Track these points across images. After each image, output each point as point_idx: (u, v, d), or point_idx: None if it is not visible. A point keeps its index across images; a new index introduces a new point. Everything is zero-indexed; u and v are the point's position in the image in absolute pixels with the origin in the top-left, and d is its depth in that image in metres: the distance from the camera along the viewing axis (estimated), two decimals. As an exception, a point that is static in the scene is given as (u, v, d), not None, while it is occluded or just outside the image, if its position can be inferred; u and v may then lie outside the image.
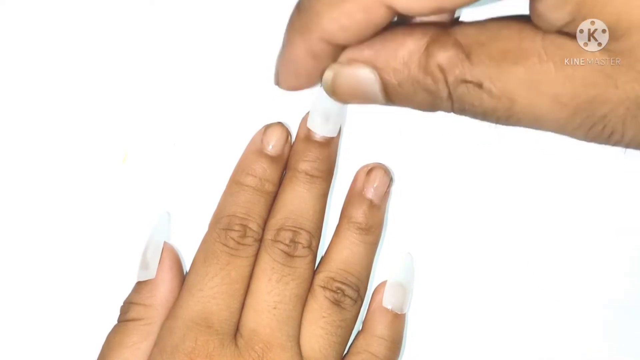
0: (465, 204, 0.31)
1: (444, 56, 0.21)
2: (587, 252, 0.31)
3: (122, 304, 0.29)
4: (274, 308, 0.27)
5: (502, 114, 0.22)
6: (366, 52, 0.23)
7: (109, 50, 0.31)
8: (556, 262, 0.31)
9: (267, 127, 0.29)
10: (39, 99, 0.31)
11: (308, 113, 0.29)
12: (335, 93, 0.24)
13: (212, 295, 0.27)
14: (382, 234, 0.30)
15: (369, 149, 0.31)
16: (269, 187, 0.29)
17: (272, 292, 0.27)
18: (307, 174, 0.29)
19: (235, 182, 0.29)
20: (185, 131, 0.31)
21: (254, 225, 0.28)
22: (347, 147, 0.31)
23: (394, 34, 0.23)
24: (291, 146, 0.30)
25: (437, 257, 0.31)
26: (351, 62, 0.23)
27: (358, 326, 0.29)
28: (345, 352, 0.29)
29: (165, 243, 0.29)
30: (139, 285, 0.28)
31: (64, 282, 0.30)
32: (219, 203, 0.29)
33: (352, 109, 0.31)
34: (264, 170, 0.29)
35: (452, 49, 0.21)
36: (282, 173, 0.30)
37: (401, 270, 0.30)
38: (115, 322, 0.28)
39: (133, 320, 0.28)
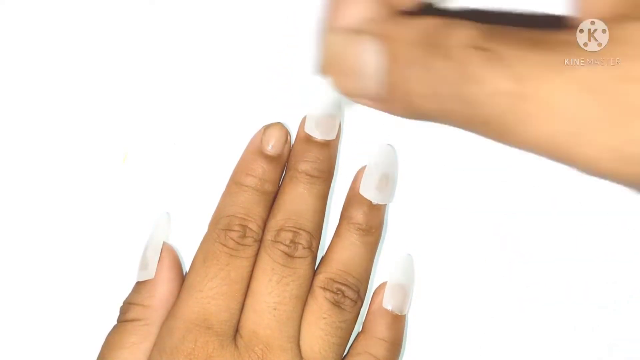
0: (466, 205, 0.31)
1: (465, 32, 0.19)
2: (587, 254, 0.31)
3: (121, 304, 0.29)
4: (274, 309, 0.27)
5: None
6: (374, 24, 0.20)
7: (109, 50, 0.31)
8: (556, 263, 0.31)
9: (267, 128, 0.29)
10: (39, 99, 0.31)
11: (306, 116, 0.29)
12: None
13: (211, 296, 0.27)
14: (382, 234, 0.30)
15: (369, 149, 0.31)
16: (269, 188, 0.29)
17: (272, 293, 0.27)
18: (307, 174, 0.29)
19: (234, 182, 0.29)
20: (185, 131, 0.31)
21: (253, 226, 0.28)
22: (347, 147, 0.31)
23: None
24: (290, 146, 0.30)
25: (437, 258, 0.31)
26: (358, 32, 0.20)
27: (358, 327, 0.29)
28: (345, 353, 0.29)
29: (164, 243, 0.29)
30: (139, 286, 0.28)
31: (63, 282, 0.30)
32: (219, 203, 0.29)
33: (352, 109, 0.30)
34: (264, 171, 0.29)
35: (474, 27, 0.19)
36: (282, 173, 0.30)
37: (401, 271, 0.30)
38: (115, 322, 0.28)
39: (132, 320, 0.28)
